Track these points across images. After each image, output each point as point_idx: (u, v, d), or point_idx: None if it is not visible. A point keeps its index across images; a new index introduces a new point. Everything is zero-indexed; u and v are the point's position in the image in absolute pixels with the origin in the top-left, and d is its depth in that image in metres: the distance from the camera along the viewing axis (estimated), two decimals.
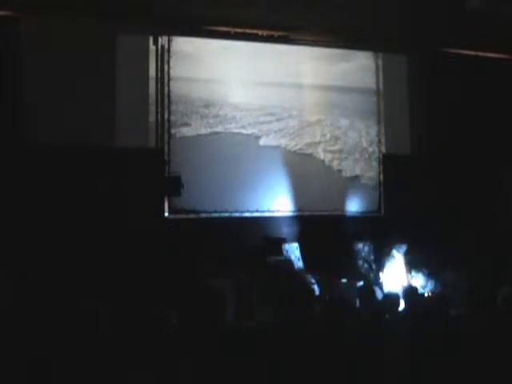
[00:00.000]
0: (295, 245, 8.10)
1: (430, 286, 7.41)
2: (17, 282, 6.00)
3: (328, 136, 8.89)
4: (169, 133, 8.13)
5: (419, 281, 7.77)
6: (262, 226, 8.29)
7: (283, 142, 8.65)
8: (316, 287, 7.48)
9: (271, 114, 8.64)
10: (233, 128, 8.45)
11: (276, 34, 8.39)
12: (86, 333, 4.26)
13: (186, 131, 8.23)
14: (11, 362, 3.79)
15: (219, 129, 8.39)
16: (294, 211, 8.56)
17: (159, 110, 8.09)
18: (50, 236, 6.96)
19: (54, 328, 4.34)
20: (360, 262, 8.02)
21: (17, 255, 6.65)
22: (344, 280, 7.85)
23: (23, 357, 3.85)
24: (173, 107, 8.16)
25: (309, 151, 8.76)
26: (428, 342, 4.09)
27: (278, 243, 8.15)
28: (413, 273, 7.96)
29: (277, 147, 8.61)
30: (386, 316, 4.70)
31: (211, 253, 7.24)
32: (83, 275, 6.57)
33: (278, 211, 8.48)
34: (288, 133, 8.70)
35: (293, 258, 7.95)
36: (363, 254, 8.08)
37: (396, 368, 3.92)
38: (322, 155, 8.82)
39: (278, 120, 8.67)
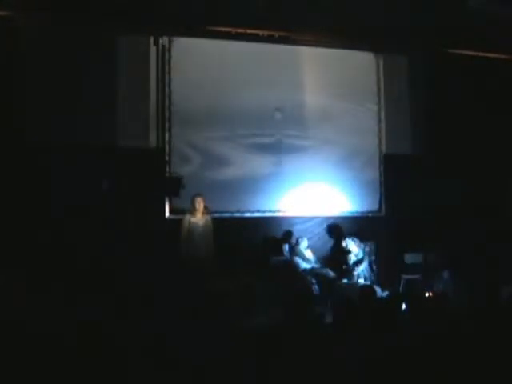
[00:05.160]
0: (296, 245, 8.12)
1: (431, 285, 7.42)
2: (17, 282, 5.99)
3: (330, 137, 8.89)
4: (170, 132, 8.14)
5: (419, 280, 7.80)
6: (263, 226, 8.32)
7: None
8: (317, 287, 7.50)
9: (272, 115, 8.61)
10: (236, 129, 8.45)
11: (276, 34, 8.39)
12: (86, 334, 4.27)
13: (188, 132, 8.24)
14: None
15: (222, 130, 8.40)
16: (294, 211, 8.57)
17: (160, 109, 8.10)
18: (52, 236, 6.98)
19: (56, 329, 4.35)
20: (361, 262, 8.02)
21: (16, 254, 6.66)
22: (345, 280, 7.88)
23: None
24: (174, 107, 8.16)
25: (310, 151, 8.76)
26: (428, 341, 4.10)
27: (279, 243, 8.18)
28: (413, 272, 8.00)
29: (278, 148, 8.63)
30: (387, 315, 4.70)
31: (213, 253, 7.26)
32: (82, 276, 6.57)
33: (278, 211, 8.49)
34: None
35: (294, 258, 7.97)
36: (364, 253, 8.09)
37: (397, 368, 3.93)
38: (324, 156, 8.81)
39: (278, 119, 8.65)
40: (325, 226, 8.65)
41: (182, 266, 7.00)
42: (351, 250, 8.01)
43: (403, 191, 8.71)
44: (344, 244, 8.06)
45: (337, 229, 8.59)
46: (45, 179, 7.17)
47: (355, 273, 7.89)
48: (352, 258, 7.98)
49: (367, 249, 8.16)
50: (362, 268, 7.93)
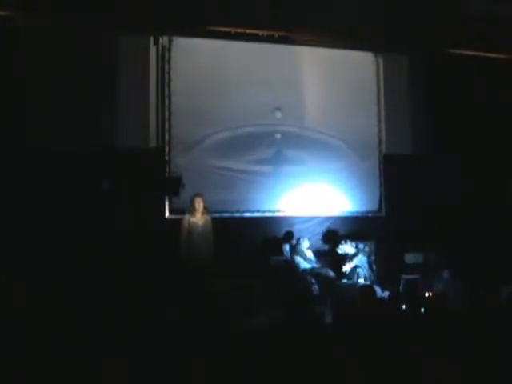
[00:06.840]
0: (296, 245, 8.12)
1: (431, 285, 7.42)
2: (18, 283, 6.00)
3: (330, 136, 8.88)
4: (169, 133, 8.14)
5: (419, 280, 7.79)
6: (263, 226, 8.31)
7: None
8: (317, 287, 7.50)
9: (272, 114, 8.60)
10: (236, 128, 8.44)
11: (276, 34, 8.39)
12: (88, 332, 4.27)
13: (188, 132, 8.23)
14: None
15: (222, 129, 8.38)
16: (294, 212, 8.57)
17: (160, 109, 8.10)
18: (52, 236, 6.98)
19: (56, 328, 4.35)
20: (361, 262, 8.02)
21: (16, 254, 6.66)
22: (345, 280, 7.88)
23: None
24: (173, 107, 8.15)
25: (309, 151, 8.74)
26: (428, 341, 4.10)
27: (279, 243, 8.18)
28: (413, 272, 7.99)
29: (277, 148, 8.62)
30: (387, 315, 4.70)
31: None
32: (82, 276, 6.57)
33: (278, 211, 8.49)
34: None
35: (295, 257, 7.97)
36: (364, 253, 8.09)
37: (397, 368, 3.93)
38: (323, 155, 8.79)
39: (278, 119, 8.64)
40: (325, 226, 8.64)
41: (182, 266, 7.00)
42: (347, 251, 8.04)
43: (403, 191, 8.70)
44: (339, 250, 8.08)
45: (333, 234, 8.58)
46: (45, 179, 7.16)
47: (345, 267, 7.89)
48: (348, 258, 8.03)
49: (367, 249, 8.16)
50: (356, 263, 7.93)
